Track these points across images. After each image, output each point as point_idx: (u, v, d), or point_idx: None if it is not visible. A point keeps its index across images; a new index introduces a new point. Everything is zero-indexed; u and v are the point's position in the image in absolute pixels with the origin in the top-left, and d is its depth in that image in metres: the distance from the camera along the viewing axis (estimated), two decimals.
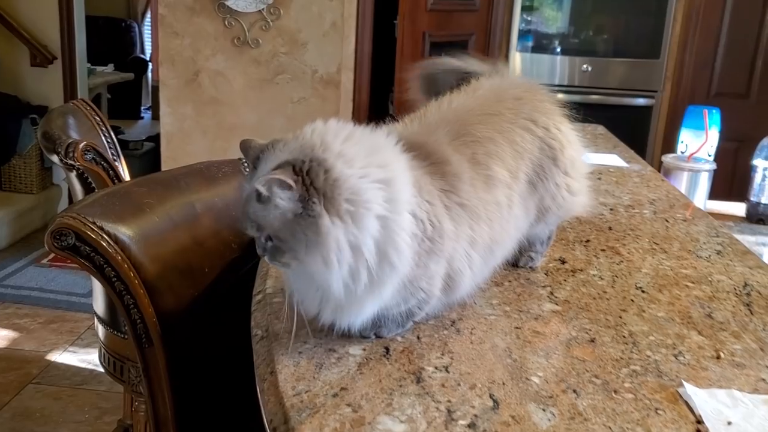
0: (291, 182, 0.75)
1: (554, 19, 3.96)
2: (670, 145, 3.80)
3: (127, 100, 7.32)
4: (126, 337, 1.65)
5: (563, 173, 1.01)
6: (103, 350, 1.80)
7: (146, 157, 5.58)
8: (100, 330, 1.80)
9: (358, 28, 3.23)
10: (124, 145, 5.39)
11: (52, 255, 4.10)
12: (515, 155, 0.95)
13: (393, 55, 3.48)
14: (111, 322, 1.74)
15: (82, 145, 1.56)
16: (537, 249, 1.10)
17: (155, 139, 5.52)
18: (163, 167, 3.42)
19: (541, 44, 3.95)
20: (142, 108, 7.90)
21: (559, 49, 3.94)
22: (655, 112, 3.89)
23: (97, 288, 1.75)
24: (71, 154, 1.55)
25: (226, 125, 3.35)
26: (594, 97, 3.85)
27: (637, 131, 3.90)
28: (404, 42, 3.23)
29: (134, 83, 7.20)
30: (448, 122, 0.95)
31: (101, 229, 1.13)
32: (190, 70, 3.30)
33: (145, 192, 1.30)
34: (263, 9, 3.19)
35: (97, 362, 2.93)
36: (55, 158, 1.63)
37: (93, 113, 2.02)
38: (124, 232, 1.17)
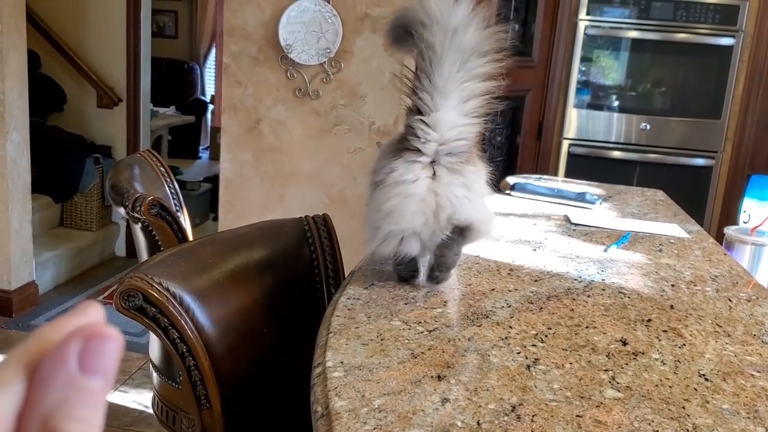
0: None
1: (612, 76, 3.95)
2: (730, 207, 3.74)
3: (186, 140, 7.51)
4: (180, 387, 1.67)
5: None
6: (156, 398, 1.82)
7: (203, 198, 5.70)
8: (155, 377, 1.82)
9: None
10: (182, 185, 5.50)
11: (107, 292, 4.20)
12: None
13: None
14: (166, 371, 1.76)
15: (149, 199, 1.60)
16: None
17: (213, 179, 5.64)
18: (221, 212, 3.49)
19: (598, 101, 3.95)
20: (201, 148, 8.09)
21: (617, 106, 3.93)
22: (714, 173, 3.84)
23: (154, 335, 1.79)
24: (138, 209, 1.60)
25: (284, 172, 3.41)
26: (652, 156, 3.82)
27: (697, 192, 3.85)
28: None
29: (194, 123, 7.39)
30: None
31: (167, 290, 1.16)
32: (252, 118, 3.37)
33: (209, 252, 1.33)
34: (325, 62, 3.25)
35: (148, 403, 2.98)
36: (122, 211, 1.68)
37: (158, 164, 2.08)
38: (189, 292, 1.20)
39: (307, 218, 1.52)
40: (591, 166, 3.90)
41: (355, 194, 3.28)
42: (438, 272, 1.27)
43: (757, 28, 3.70)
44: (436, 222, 1.22)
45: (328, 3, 3.21)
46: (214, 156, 7.33)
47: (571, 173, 3.89)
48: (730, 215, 3.70)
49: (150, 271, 1.17)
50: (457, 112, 1.19)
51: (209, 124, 8.11)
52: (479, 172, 1.26)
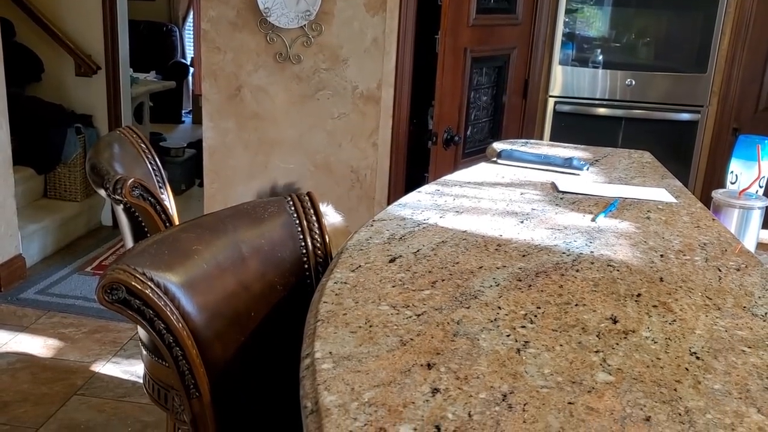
0: None
1: (597, 30, 3.91)
2: (716, 162, 3.74)
3: (168, 105, 7.40)
4: (169, 366, 1.66)
5: None
6: (147, 376, 1.81)
7: (188, 164, 5.64)
8: (144, 354, 1.81)
9: (399, 45, 3.21)
10: (165, 151, 5.46)
11: (96, 263, 4.17)
12: None
13: (434, 69, 3.46)
14: (154, 348, 1.75)
15: (130, 182, 1.57)
16: None
17: (196, 144, 5.57)
18: (206, 181, 3.45)
19: (583, 57, 3.90)
20: (183, 112, 7.99)
21: (601, 62, 3.89)
22: (700, 128, 3.82)
23: None
24: (119, 191, 1.57)
25: (267, 140, 3.37)
26: (637, 112, 3.79)
27: (682, 147, 3.83)
28: (445, 57, 3.21)
29: (175, 87, 7.29)
30: None
31: (151, 280, 1.14)
32: (233, 85, 3.32)
33: (193, 238, 1.30)
34: (305, 25, 3.19)
35: (140, 374, 2.98)
36: (102, 192, 1.65)
37: (138, 140, 2.04)
38: (174, 281, 1.18)
39: (291, 197, 1.50)
40: (576, 123, 3.87)
41: (340, 161, 3.24)
42: None
43: None
44: None
45: None
46: (197, 120, 7.25)
47: (556, 131, 3.87)
48: (716, 170, 3.70)
49: (133, 262, 1.15)
50: None
51: (191, 87, 8.00)
52: None
